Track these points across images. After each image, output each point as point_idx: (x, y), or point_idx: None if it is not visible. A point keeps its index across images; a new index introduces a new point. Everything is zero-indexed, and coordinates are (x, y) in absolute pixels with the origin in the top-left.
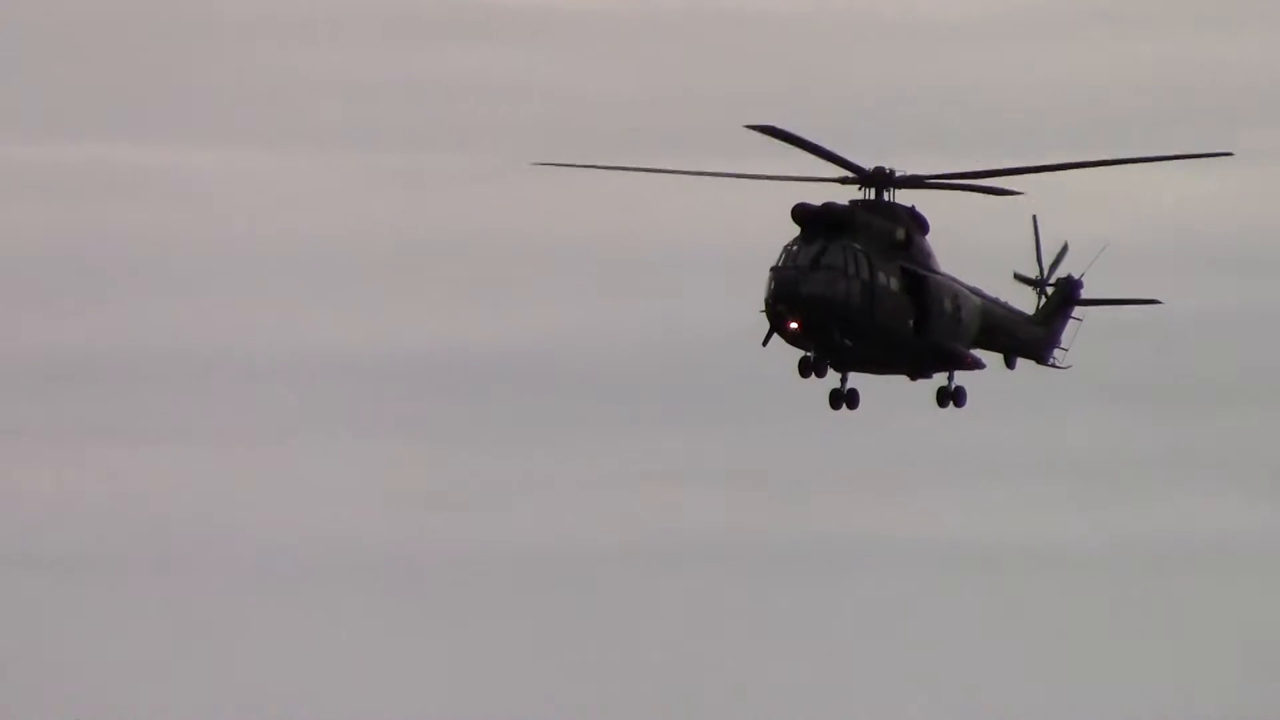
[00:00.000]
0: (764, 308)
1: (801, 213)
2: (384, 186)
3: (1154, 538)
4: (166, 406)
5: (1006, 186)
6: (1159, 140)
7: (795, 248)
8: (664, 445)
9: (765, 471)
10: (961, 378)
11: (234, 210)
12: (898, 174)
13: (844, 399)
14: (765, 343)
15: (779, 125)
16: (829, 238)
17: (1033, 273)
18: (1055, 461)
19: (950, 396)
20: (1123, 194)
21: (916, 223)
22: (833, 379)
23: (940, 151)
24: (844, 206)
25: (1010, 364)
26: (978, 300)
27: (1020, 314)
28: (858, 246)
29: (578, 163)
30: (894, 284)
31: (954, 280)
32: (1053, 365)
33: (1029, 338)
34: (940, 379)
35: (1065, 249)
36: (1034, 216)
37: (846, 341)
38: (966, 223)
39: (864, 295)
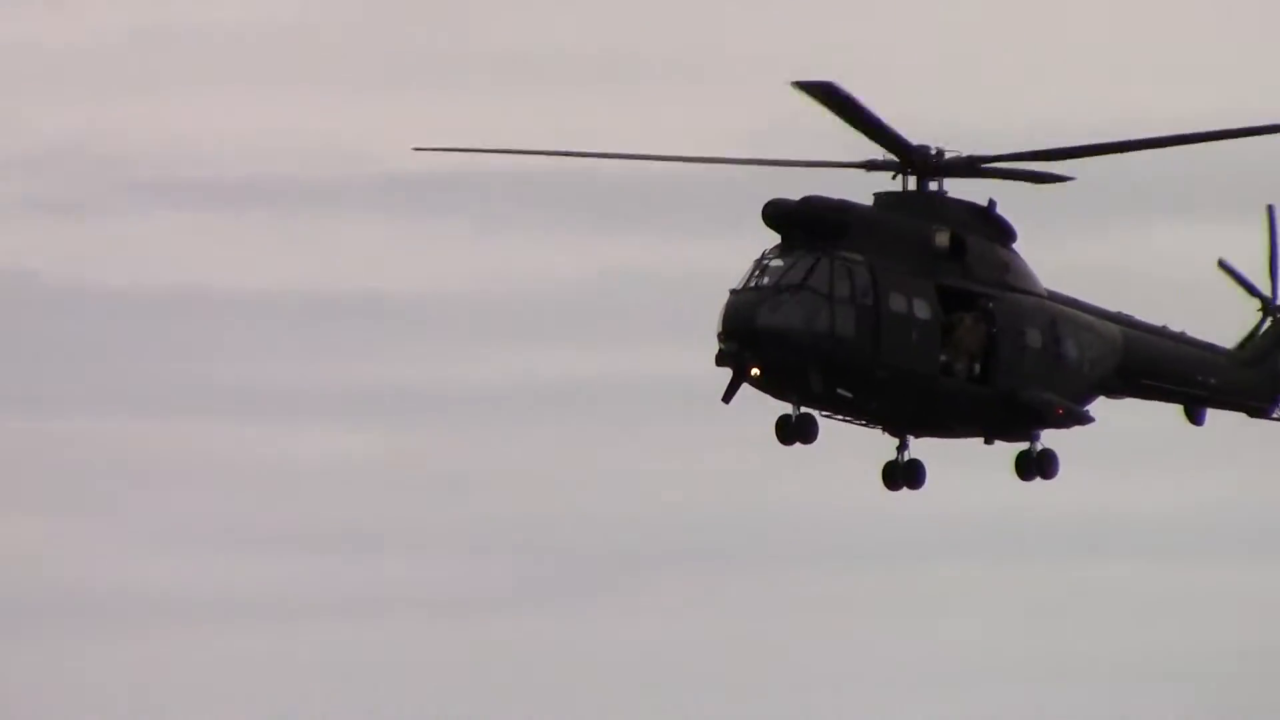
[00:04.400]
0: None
1: (775, 213)
2: None
3: None
4: None
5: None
6: None
7: (766, 261)
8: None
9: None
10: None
11: None
12: (947, 155)
13: (901, 474)
14: (726, 397)
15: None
16: (814, 246)
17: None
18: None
19: (1034, 464)
20: None
21: (984, 224)
22: (887, 447)
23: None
24: (835, 202)
25: (1195, 418)
26: (1112, 330)
27: (1210, 348)
28: (857, 258)
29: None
30: (922, 310)
31: (1059, 303)
32: (1279, 418)
33: (1226, 382)
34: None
35: None
36: (1270, 207)
37: (842, 392)
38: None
39: (863, 326)
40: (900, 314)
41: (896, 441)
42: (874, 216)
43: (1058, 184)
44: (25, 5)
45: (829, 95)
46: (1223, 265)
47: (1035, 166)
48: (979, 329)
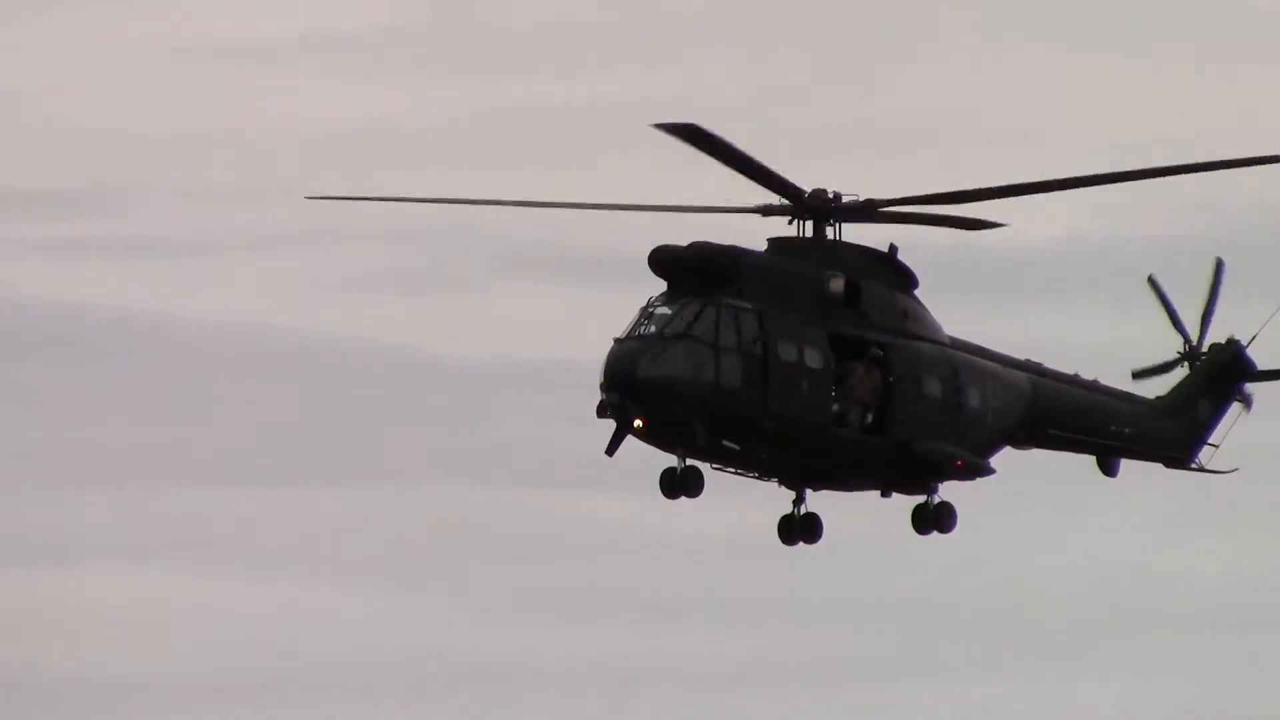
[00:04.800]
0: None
1: (661, 258)
2: None
3: None
4: None
5: (989, 218)
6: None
7: (651, 309)
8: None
9: None
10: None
11: None
12: (845, 199)
13: (797, 528)
14: (610, 449)
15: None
16: (702, 293)
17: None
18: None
19: (931, 517)
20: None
21: (884, 270)
22: (782, 498)
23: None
24: (724, 248)
25: (1108, 469)
26: (1018, 378)
27: (1127, 397)
28: (745, 305)
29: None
30: (814, 358)
31: (963, 351)
32: (1198, 469)
33: (1143, 432)
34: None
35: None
36: (1150, 277)
37: (729, 444)
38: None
39: (750, 376)
40: (790, 363)
41: (793, 495)
42: (764, 262)
43: (989, 229)
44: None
45: (693, 137)
46: (1151, 282)
47: (942, 210)
48: (873, 378)
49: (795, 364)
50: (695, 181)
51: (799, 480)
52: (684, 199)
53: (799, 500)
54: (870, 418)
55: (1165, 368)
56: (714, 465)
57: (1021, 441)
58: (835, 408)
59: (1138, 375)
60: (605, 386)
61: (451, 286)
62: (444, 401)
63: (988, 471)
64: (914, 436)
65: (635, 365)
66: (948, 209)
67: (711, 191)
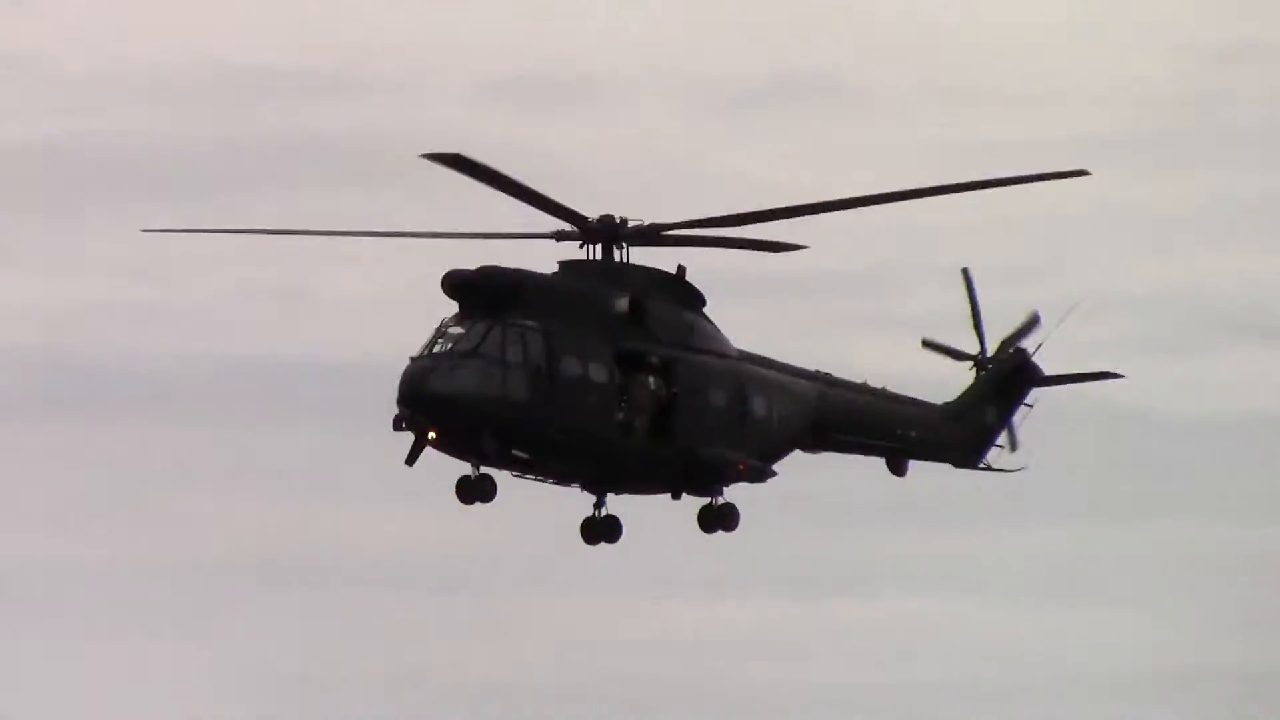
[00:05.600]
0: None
1: (453, 282)
2: None
3: None
4: None
5: (786, 240)
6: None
7: (444, 329)
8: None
9: None
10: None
11: None
12: (630, 223)
13: (599, 530)
14: (409, 460)
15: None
16: (491, 314)
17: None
18: None
19: (716, 517)
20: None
21: (671, 289)
22: (584, 503)
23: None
24: (511, 272)
25: (897, 469)
26: (805, 387)
27: (914, 402)
28: (530, 324)
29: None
30: (598, 372)
31: (752, 363)
32: (986, 468)
33: (929, 435)
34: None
35: (1035, 319)
36: (965, 270)
37: (518, 453)
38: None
39: (535, 389)
40: (575, 377)
41: (594, 498)
42: (551, 284)
43: (789, 251)
44: None
45: (460, 165)
46: (926, 344)
47: (735, 233)
48: (657, 390)
49: (580, 377)
50: (492, 209)
51: (596, 485)
52: (482, 226)
53: (600, 503)
54: (655, 427)
55: (954, 354)
56: (513, 473)
57: (810, 446)
58: (621, 418)
59: (926, 345)
60: (399, 401)
61: None
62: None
63: (769, 475)
64: (698, 444)
65: (425, 381)
66: (742, 231)
67: (510, 219)
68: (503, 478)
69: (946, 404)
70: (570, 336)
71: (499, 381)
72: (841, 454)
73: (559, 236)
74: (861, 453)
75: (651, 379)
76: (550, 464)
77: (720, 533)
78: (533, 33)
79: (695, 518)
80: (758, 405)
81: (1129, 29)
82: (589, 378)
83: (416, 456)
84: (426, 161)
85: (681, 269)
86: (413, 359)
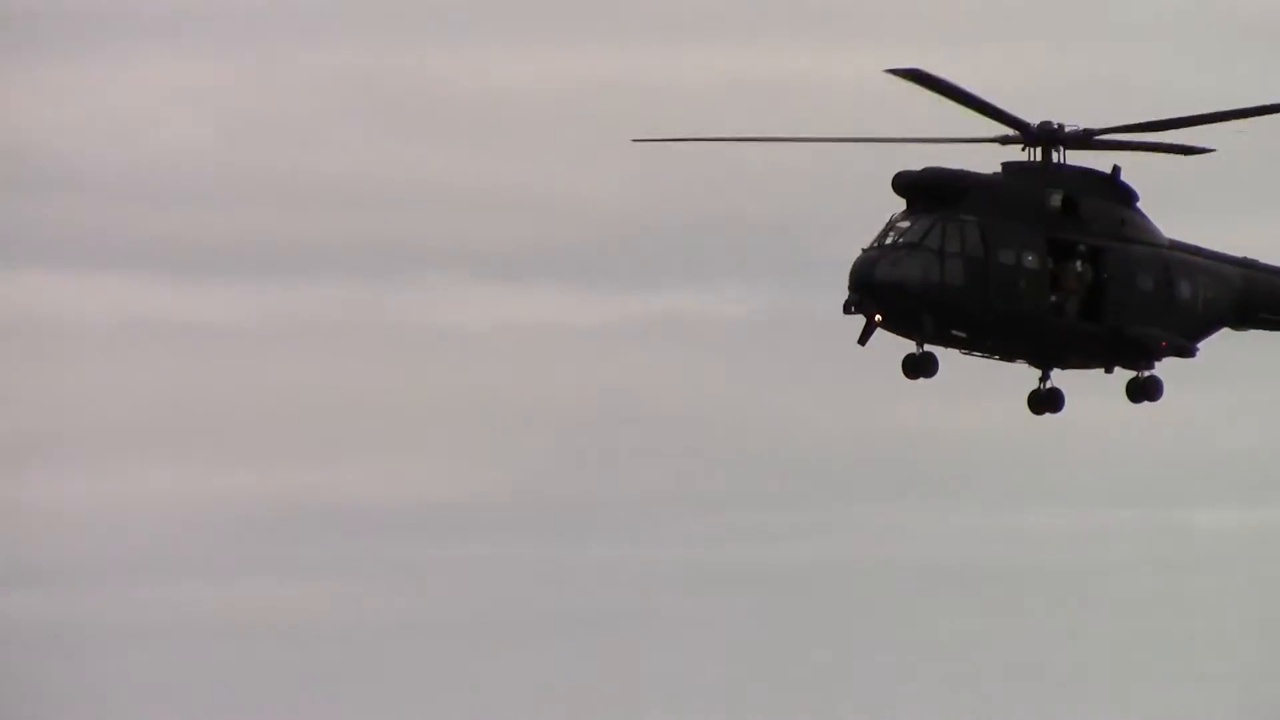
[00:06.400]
0: None
1: (901, 182)
2: None
3: None
4: None
5: (1197, 144)
6: None
7: (893, 224)
8: None
9: None
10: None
11: None
12: (1068, 129)
13: (1045, 401)
14: (862, 340)
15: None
16: (935, 210)
17: None
18: None
19: (1141, 389)
20: None
21: (1104, 187)
22: (1030, 377)
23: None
24: (954, 172)
25: None
26: (1230, 272)
27: None
28: (970, 219)
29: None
30: (1032, 260)
31: (1181, 251)
32: None
33: None
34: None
35: None
36: None
37: (956, 332)
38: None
39: (971, 276)
40: (1008, 265)
41: (1039, 373)
42: (991, 182)
43: (1200, 155)
44: None
45: (920, 79)
46: None
47: (1157, 137)
48: (1083, 274)
49: (1014, 265)
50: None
51: (1037, 361)
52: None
53: (1044, 377)
54: (1086, 308)
55: None
56: (961, 351)
57: (1238, 324)
58: (1053, 300)
59: None
60: (850, 288)
61: None
62: None
63: (1190, 353)
64: (1124, 323)
65: (873, 270)
66: (1160, 136)
67: (959, 126)
68: (950, 355)
69: None
70: (1006, 229)
71: (938, 270)
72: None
73: (1004, 141)
74: None
75: (1080, 264)
76: (988, 342)
77: (1145, 402)
78: None
79: (1124, 389)
80: (1183, 288)
81: None
82: (1022, 265)
83: (869, 337)
84: (890, 75)
85: (1116, 169)
86: (864, 250)
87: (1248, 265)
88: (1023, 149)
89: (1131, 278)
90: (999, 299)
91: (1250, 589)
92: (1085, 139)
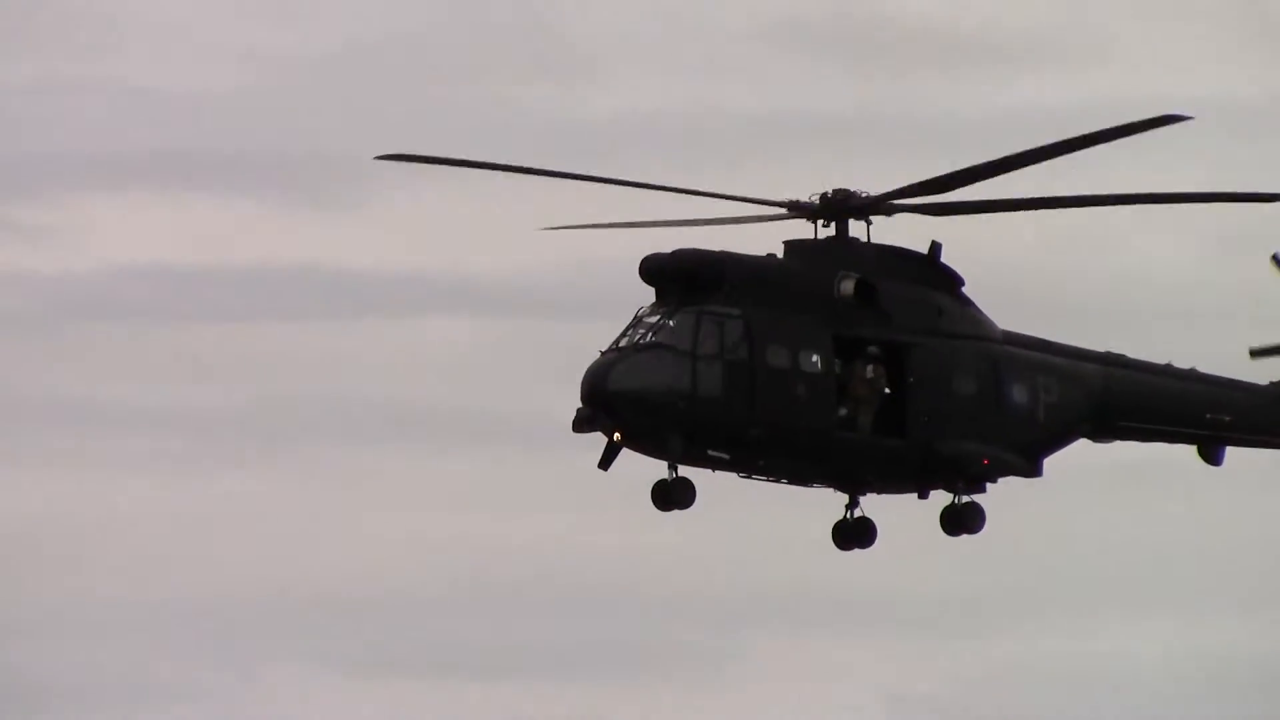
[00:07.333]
0: None
1: (648, 267)
2: None
3: None
4: None
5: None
6: None
7: (638, 318)
8: None
9: None
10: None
11: None
12: (862, 195)
13: (851, 535)
14: (603, 463)
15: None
16: (689, 301)
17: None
18: None
19: (956, 519)
20: None
21: (913, 270)
22: (834, 504)
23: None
24: (713, 254)
25: (1212, 457)
26: (1087, 371)
27: (1233, 384)
28: (734, 311)
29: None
30: (813, 362)
31: (1021, 346)
32: None
33: (1247, 419)
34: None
35: None
36: (1275, 255)
37: (714, 453)
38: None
39: (731, 383)
40: (781, 368)
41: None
42: (762, 266)
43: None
44: None
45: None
46: (1275, 261)
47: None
48: (882, 378)
49: (788, 369)
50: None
51: (837, 485)
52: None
53: (851, 505)
54: (883, 420)
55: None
56: (739, 474)
57: (1098, 435)
58: (842, 412)
59: (1255, 354)
60: (582, 400)
61: None
62: None
63: (1027, 472)
64: (936, 437)
65: (605, 378)
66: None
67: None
68: (729, 480)
69: (1272, 383)
70: (779, 324)
71: (688, 376)
72: (1140, 441)
73: (790, 212)
74: (1162, 440)
75: (874, 366)
76: (760, 464)
77: (964, 535)
78: None
79: (938, 518)
80: (1016, 393)
81: None
82: (799, 368)
83: (612, 459)
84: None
85: (935, 246)
86: (601, 353)
87: (1111, 362)
88: (817, 223)
89: (945, 381)
90: (769, 411)
91: None
92: (880, 205)
